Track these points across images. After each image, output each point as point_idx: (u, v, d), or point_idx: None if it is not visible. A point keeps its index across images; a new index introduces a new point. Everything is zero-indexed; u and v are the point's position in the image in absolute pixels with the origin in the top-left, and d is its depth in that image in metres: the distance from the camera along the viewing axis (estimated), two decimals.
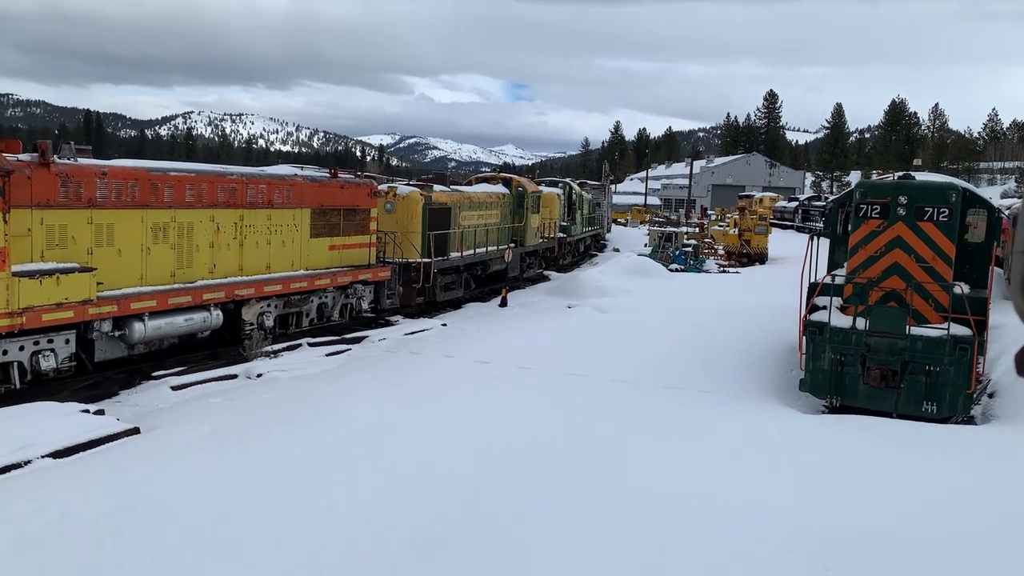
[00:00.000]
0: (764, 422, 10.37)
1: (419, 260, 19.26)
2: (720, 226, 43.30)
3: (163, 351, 13.47)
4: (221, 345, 14.23)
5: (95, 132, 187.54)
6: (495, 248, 24.04)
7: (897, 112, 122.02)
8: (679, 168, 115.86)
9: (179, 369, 12.80)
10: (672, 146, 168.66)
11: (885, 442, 9.20)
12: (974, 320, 10.80)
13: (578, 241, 36.40)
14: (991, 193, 68.21)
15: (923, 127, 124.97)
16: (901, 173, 13.93)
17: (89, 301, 11.18)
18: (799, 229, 54.06)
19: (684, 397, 11.99)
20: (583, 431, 9.80)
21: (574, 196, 35.20)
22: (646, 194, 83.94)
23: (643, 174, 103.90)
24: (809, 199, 63.29)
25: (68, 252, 11.31)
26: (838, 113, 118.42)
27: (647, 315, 18.85)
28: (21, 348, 10.66)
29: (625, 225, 59.37)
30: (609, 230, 48.48)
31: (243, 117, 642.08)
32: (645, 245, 38.35)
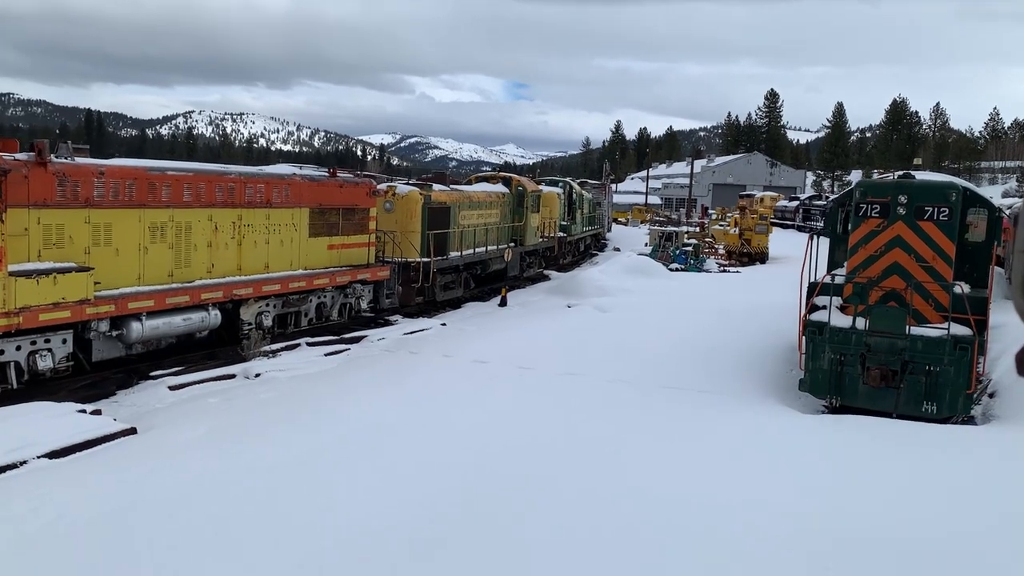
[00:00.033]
0: (764, 422, 10.34)
1: (418, 260, 19.23)
2: (721, 225, 43.25)
3: (161, 351, 13.44)
4: (219, 345, 14.20)
5: (96, 132, 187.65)
6: (495, 247, 24.00)
7: (898, 111, 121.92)
8: (680, 167, 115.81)
9: (177, 369, 12.77)
10: (673, 145, 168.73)
11: (885, 442, 9.16)
12: (974, 320, 10.76)
13: (578, 240, 36.36)
14: (992, 192, 68.18)
15: (924, 126, 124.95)
16: (901, 172, 13.88)
17: (86, 301, 11.15)
18: (800, 228, 53.99)
19: (684, 397, 11.95)
20: (582, 431, 9.76)
21: (574, 195, 35.16)
22: (647, 193, 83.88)
23: (644, 173, 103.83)
24: (810, 198, 63.24)
25: (65, 252, 11.28)
26: (839, 112, 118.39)
27: (647, 315, 18.81)
28: (18, 348, 10.63)
29: (626, 225, 59.28)
30: (610, 229, 48.43)
31: (244, 116, 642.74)
32: (645, 244, 38.31)
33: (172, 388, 11.86)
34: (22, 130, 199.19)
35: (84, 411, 9.96)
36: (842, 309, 11.68)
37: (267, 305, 14.91)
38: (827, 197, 56.80)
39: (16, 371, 10.65)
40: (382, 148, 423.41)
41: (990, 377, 12.34)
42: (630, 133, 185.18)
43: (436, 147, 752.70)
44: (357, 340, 15.94)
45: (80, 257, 11.48)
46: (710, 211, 66.45)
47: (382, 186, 19.65)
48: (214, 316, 13.49)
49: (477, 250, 22.74)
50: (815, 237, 12.73)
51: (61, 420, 9.39)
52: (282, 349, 14.46)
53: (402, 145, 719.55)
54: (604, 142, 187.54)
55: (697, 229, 44.11)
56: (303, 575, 6.03)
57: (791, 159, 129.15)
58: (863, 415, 10.71)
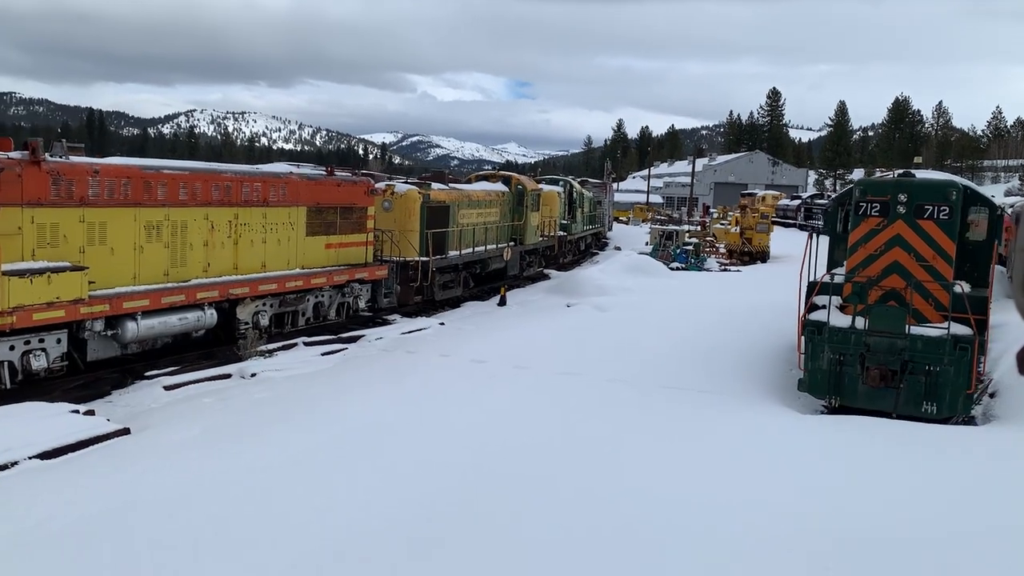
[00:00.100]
0: (764, 422, 10.28)
1: (417, 259, 19.16)
2: (722, 224, 43.15)
3: (157, 350, 13.38)
4: (216, 344, 14.13)
5: (98, 131, 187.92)
6: (494, 246, 23.94)
7: (900, 110, 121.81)
8: (682, 166, 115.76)
9: (172, 369, 12.71)
10: (675, 144, 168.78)
11: (885, 443, 9.10)
12: (975, 319, 10.67)
13: (579, 239, 36.29)
14: (995, 191, 68.13)
15: (927, 125, 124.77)
16: (901, 171, 13.79)
17: (81, 300, 11.09)
18: (802, 227, 53.84)
19: (683, 397, 11.88)
20: (580, 431, 9.70)
21: (574, 194, 35.08)
22: (648, 192, 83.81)
23: (645, 172, 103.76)
24: (812, 197, 63.09)
25: (59, 251, 11.22)
26: (841, 111, 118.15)
27: (647, 314, 18.74)
28: (11, 348, 10.56)
29: (627, 223, 59.25)
30: (611, 228, 48.38)
31: (245, 115, 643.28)
32: (646, 243, 38.23)
33: (167, 388, 11.80)
34: (24, 129, 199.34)
35: (77, 411, 9.89)
36: (841, 308, 11.60)
37: (264, 304, 14.85)
38: (829, 196, 56.66)
39: (10, 371, 10.58)
40: (384, 147, 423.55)
41: (991, 377, 12.25)
42: (632, 132, 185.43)
43: (438, 146, 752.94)
44: (354, 339, 15.87)
45: (75, 256, 11.41)
46: (711, 210, 66.39)
47: (380, 185, 19.59)
48: (210, 316, 13.43)
49: (476, 249, 22.67)
50: (815, 236, 12.64)
51: (53, 420, 9.32)
52: (279, 349, 14.39)
53: (404, 144, 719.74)
54: (606, 141, 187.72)
55: (698, 228, 44.03)
56: (299, 575, 5.97)
57: (793, 158, 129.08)
58: (862, 415, 10.63)
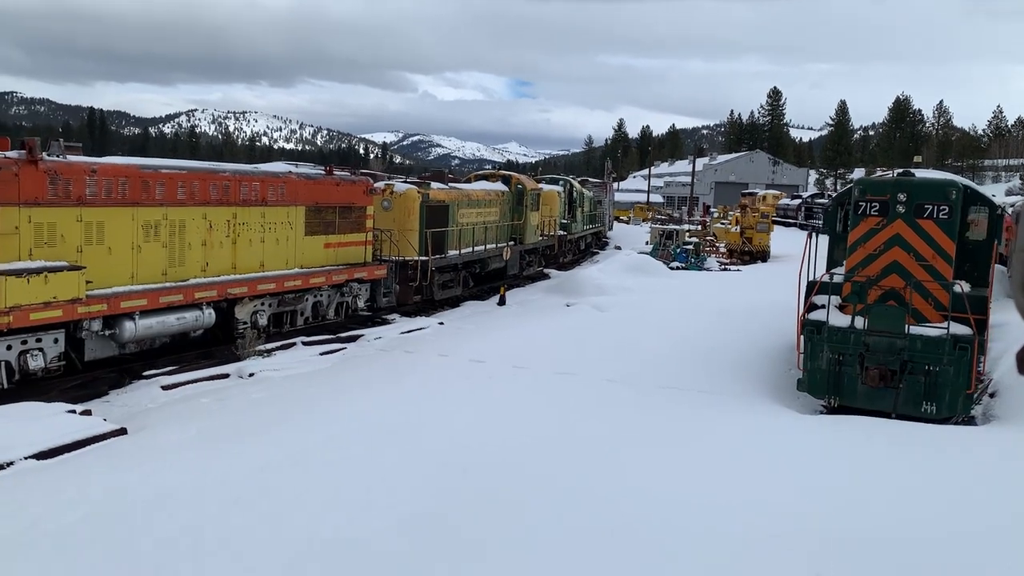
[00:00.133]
0: (763, 422, 10.24)
1: (416, 258, 19.13)
2: (722, 224, 43.10)
3: (155, 350, 13.35)
4: (214, 344, 14.11)
5: (99, 130, 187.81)
6: (494, 246, 23.90)
7: (901, 109, 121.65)
8: (682, 165, 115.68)
9: (170, 368, 12.68)
10: (676, 143, 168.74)
11: (884, 443, 9.06)
12: (975, 319, 10.63)
13: (579, 239, 36.25)
14: (996, 190, 68.06)
15: (927, 124, 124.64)
16: (900, 170, 13.75)
17: (78, 300, 11.06)
18: (802, 227, 53.77)
19: (683, 397, 11.85)
20: (579, 430, 9.67)
21: (574, 193, 35.04)
22: (649, 192, 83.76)
23: (646, 171, 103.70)
24: (812, 196, 63.05)
25: (57, 250, 11.19)
26: (842, 110, 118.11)
27: (646, 314, 18.70)
28: (8, 348, 10.54)
29: (627, 223, 59.21)
30: (611, 228, 48.32)
31: (247, 115, 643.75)
32: (646, 243, 38.19)
33: (165, 388, 11.77)
34: (25, 129, 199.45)
35: (73, 411, 9.86)
36: (841, 308, 11.56)
37: (262, 304, 14.82)
38: (829, 196, 56.62)
39: (7, 371, 10.56)
40: (385, 146, 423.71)
41: (991, 377, 12.21)
42: (633, 131, 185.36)
43: (439, 145, 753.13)
44: (353, 339, 15.84)
45: (72, 256, 11.39)
46: (712, 209, 66.35)
47: (379, 184, 19.56)
48: (208, 315, 13.40)
49: (476, 249, 22.63)
50: (814, 235, 12.60)
51: (49, 420, 9.29)
52: (277, 348, 14.37)
53: (405, 143, 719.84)
54: (607, 140, 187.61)
55: (699, 227, 43.98)
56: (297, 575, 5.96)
57: (794, 157, 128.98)
58: (862, 415, 10.59)
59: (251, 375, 12.70)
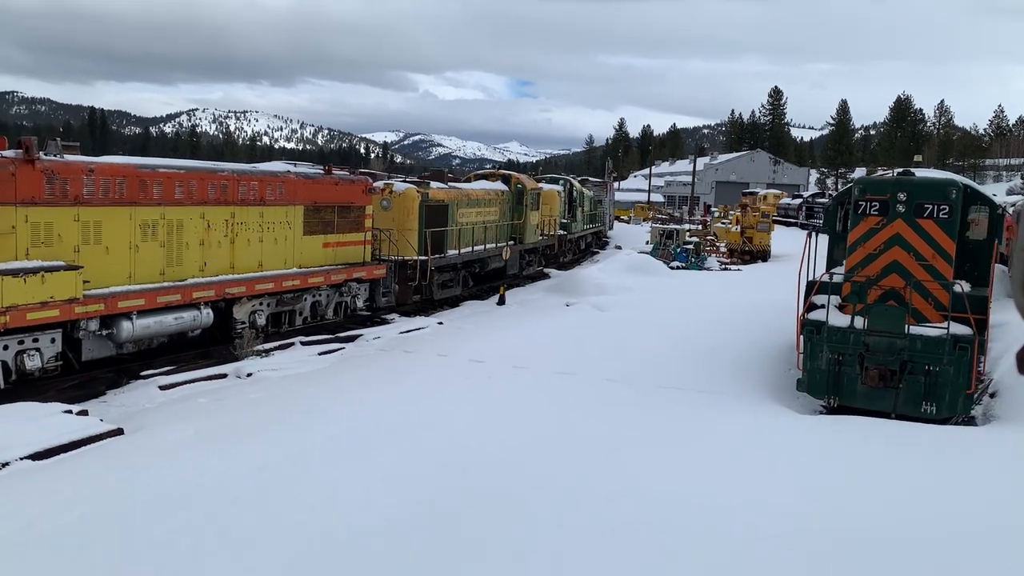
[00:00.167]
0: (763, 422, 10.21)
1: (415, 258, 19.10)
2: (723, 223, 43.07)
3: (153, 350, 13.32)
4: (212, 344, 14.08)
5: (100, 130, 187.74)
6: (493, 246, 23.87)
7: (902, 109, 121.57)
8: (683, 165, 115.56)
9: (168, 368, 12.65)
10: (676, 143, 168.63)
11: (884, 443, 9.03)
12: (975, 319, 10.59)
13: (579, 238, 36.21)
14: (997, 190, 67.93)
15: (928, 124, 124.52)
16: (900, 169, 13.70)
17: (75, 300, 11.03)
18: (803, 226, 53.69)
19: (682, 397, 11.82)
20: (579, 430, 9.64)
21: (575, 193, 35.01)
22: (649, 191, 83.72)
23: (647, 171, 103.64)
24: (813, 196, 62.99)
25: (54, 250, 11.16)
26: (843, 110, 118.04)
27: (646, 313, 18.66)
28: (5, 347, 10.51)
29: (628, 222, 59.16)
30: (611, 227, 48.27)
31: (247, 114, 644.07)
32: (647, 243, 38.15)
33: (162, 388, 11.74)
34: (26, 128, 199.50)
35: (70, 411, 9.83)
36: (840, 308, 11.51)
37: (260, 304, 14.78)
38: (830, 195, 56.57)
39: (4, 371, 10.54)
40: (386, 146, 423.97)
41: (991, 377, 12.17)
42: (633, 131, 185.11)
43: (440, 145, 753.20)
44: (352, 339, 15.80)
45: (69, 255, 11.36)
46: (713, 209, 66.28)
47: (378, 184, 19.53)
48: (206, 315, 13.37)
49: (475, 248, 22.60)
50: (814, 235, 12.56)
51: (46, 421, 9.26)
52: (276, 348, 14.34)
53: (406, 143, 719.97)
54: (607, 140, 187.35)
55: (700, 227, 43.94)
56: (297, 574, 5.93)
57: (795, 157, 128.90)
58: (861, 415, 10.56)
59: (249, 375, 12.67)
